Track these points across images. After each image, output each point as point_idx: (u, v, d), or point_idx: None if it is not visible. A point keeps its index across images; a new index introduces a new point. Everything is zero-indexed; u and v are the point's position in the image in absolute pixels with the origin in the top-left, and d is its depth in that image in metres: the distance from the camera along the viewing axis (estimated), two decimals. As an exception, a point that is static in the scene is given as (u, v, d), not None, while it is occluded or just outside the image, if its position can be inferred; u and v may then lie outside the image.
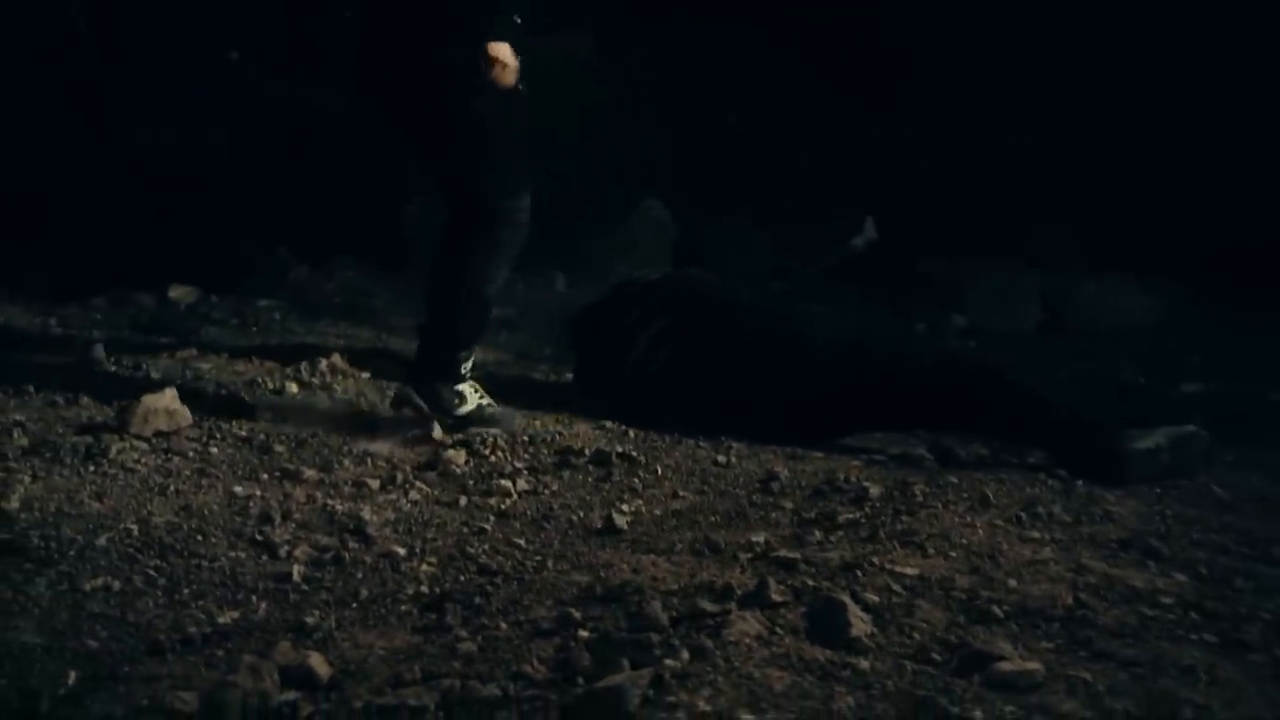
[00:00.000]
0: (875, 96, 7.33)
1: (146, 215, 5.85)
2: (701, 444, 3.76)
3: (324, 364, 4.27)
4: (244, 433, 3.62)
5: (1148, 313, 6.53)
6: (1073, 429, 3.62)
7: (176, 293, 5.38)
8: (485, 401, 3.77)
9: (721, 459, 3.63)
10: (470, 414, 3.73)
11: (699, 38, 7.15)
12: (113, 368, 4.19)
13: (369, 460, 3.48)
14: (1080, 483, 3.45)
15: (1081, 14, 6.76)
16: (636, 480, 3.43)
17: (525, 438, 3.72)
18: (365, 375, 4.26)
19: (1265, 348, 5.62)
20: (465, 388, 3.75)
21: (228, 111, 6.23)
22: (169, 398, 3.59)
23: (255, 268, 5.79)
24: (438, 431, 3.64)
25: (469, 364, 3.77)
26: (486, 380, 3.94)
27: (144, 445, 3.43)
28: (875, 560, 2.75)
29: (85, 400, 3.80)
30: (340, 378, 4.23)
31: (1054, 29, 6.77)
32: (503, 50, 3.55)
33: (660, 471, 3.50)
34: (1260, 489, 3.57)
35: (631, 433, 3.84)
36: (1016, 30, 6.79)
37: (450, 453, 3.50)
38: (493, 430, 3.72)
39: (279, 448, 3.52)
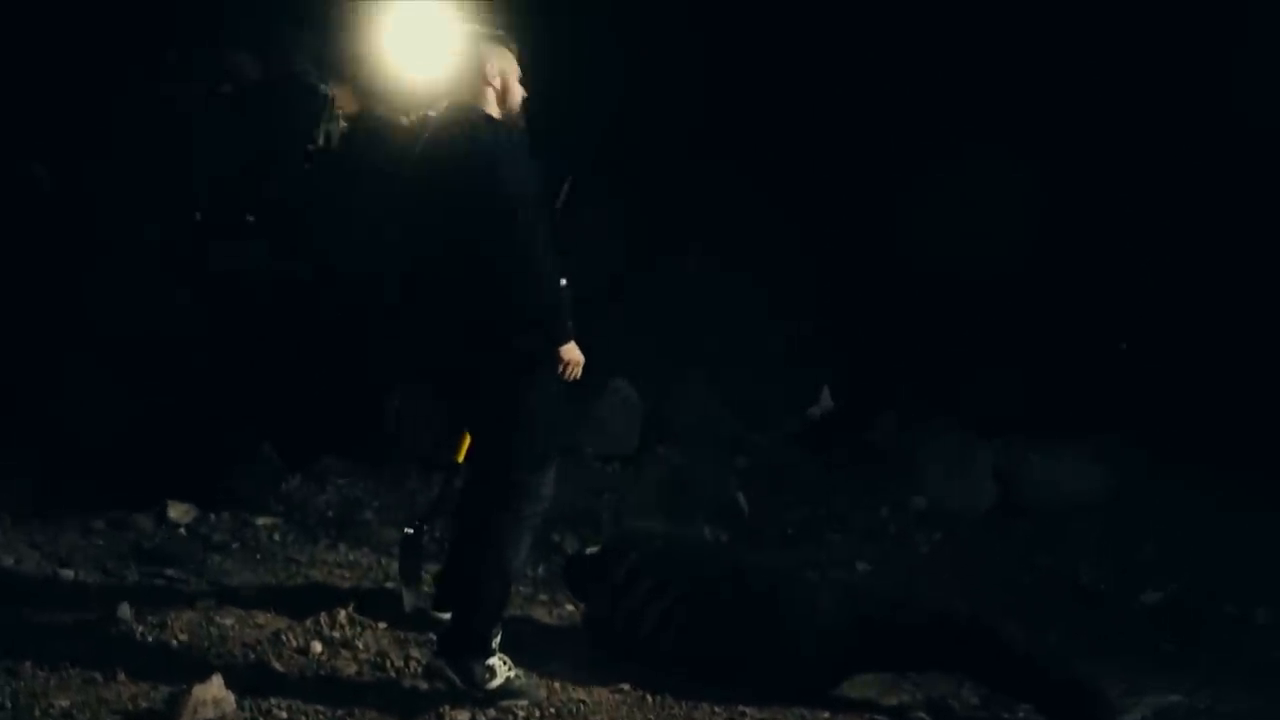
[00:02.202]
0: (828, 261, 7.69)
1: (129, 414, 5.96)
2: (716, 710, 3.99)
3: (342, 615, 4.43)
4: (284, 715, 3.78)
5: (1098, 485, 6.85)
6: (1066, 699, 3.89)
7: (175, 512, 5.51)
8: (513, 674, 3.95)
9: (738, 732, 3.88)
10: (500, 687, 3.91)
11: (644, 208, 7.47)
12: (139, 628, 4.30)
13: (411, 752, 3.67)
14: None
15: (1025, 181, 7.13)
16: (664, 767, 3.66)
17: (552, 710, 3.92)
18: (383, 626, 4.42)
19: (1209, 520, 6.01)
20: (495, 661, 3.92)
21: (202, 297, 6.35)
22: (215, 686, 3.74)
23: (246, 475, 5.93)
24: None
25: (499, 637, 3.95)
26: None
27: (195, 744, 3.58)
28: None
29: (123, 677, 3.92)
30: (359, 629, 4.40)
31: (1003, 197, 7.12)
32: (571, 351, 3.82)
33: (686, 755, 3.73)
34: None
35: (649, 697, 4.06)
36: (968, 196, 7.13)
37: (489, 745, 3.69)
38: (521, 702, 3.92)
39: (321, 735, 3.69)
